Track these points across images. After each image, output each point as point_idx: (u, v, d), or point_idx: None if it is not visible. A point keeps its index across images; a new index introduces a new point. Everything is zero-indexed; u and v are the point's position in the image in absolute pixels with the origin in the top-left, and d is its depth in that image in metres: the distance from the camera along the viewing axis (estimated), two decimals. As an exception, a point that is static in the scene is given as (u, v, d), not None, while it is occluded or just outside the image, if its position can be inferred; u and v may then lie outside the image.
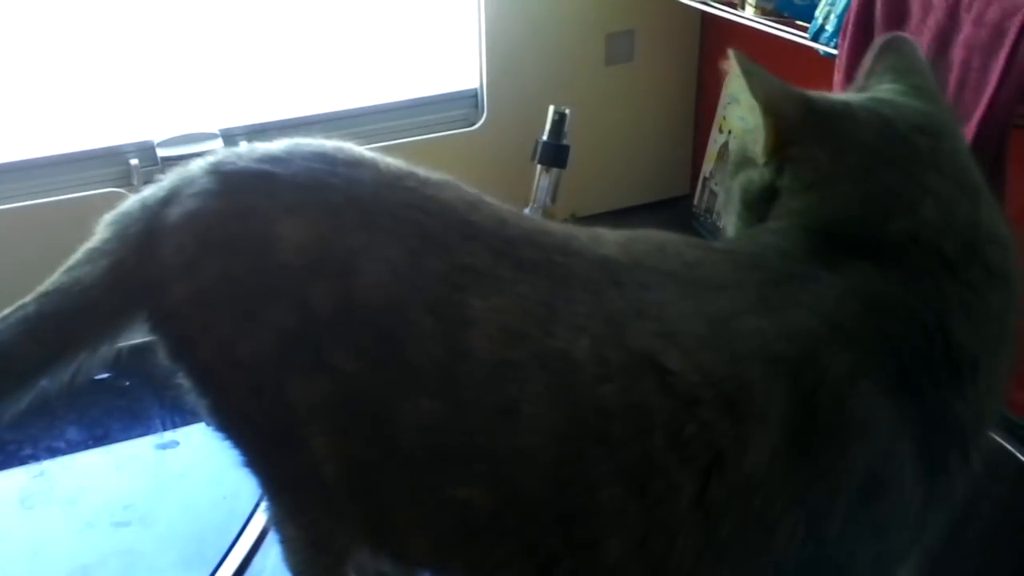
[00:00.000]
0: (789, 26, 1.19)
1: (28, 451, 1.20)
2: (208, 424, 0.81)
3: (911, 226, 0.65)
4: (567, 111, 1.34)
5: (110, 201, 1.36)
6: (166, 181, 0.79)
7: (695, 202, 1.65)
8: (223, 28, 1.42)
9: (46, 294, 0.83)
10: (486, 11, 1.47)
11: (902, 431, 0.63)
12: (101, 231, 0.82)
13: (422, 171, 0.74)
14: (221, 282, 0.71)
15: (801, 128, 0.68)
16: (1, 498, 1.14)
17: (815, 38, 1.13)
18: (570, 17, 1.52)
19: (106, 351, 0.82)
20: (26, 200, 1.34)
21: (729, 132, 1.55)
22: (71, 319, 0.80)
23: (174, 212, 0.75)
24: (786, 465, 0.61)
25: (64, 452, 1.20)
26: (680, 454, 0.60)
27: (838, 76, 1.06)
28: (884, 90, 0.72)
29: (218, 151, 0.79)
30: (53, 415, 1.25)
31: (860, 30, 1.03)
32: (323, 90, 1.51)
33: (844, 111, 0.69)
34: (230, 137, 1.44)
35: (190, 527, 1.11)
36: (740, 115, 0.66)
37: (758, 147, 0.69)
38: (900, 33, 0.80)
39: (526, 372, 0.62)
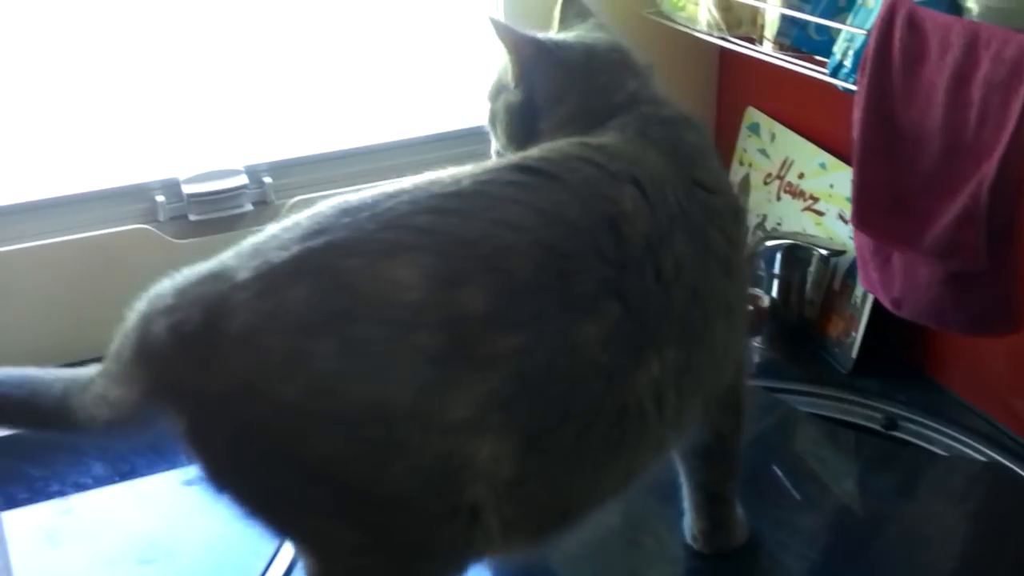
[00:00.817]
0: (808, 61, 1.19)
1: (55, 487, 1.21)
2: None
3: (627, 95, 0.96)
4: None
5: (136, 237, 1.40)
6: None
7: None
8: (248, 65, 1.44)
9: None
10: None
11: None
12: None
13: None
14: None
15: (535, 59, 0.95)
16: (27, 534, 1.15)
17: (834, 74, 1.13)
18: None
19: None
20: (54, 237, 1.36)
21: (749, 165, 1.56)
22: None
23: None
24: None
25: (90, 488, 1.21)
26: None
27: (857, 112, 1.07)
28: (579, 28, 1.02)
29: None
30: (79, 451, 1.26)
31: (879, 67, 1.04)
32: (346, 125, 1.52)
33: (562, 43, 0.98)
34: (254, 173, 1.46)
35: (214, 564, 1.11)
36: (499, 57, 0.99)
37: (509, 76, 0.97)
38: None
39: None
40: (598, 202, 0.81)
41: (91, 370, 0.85)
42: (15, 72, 1.35)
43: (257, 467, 0.76)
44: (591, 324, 0.78)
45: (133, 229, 1.39)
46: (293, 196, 1.46)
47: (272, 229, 0.82)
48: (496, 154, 1.03)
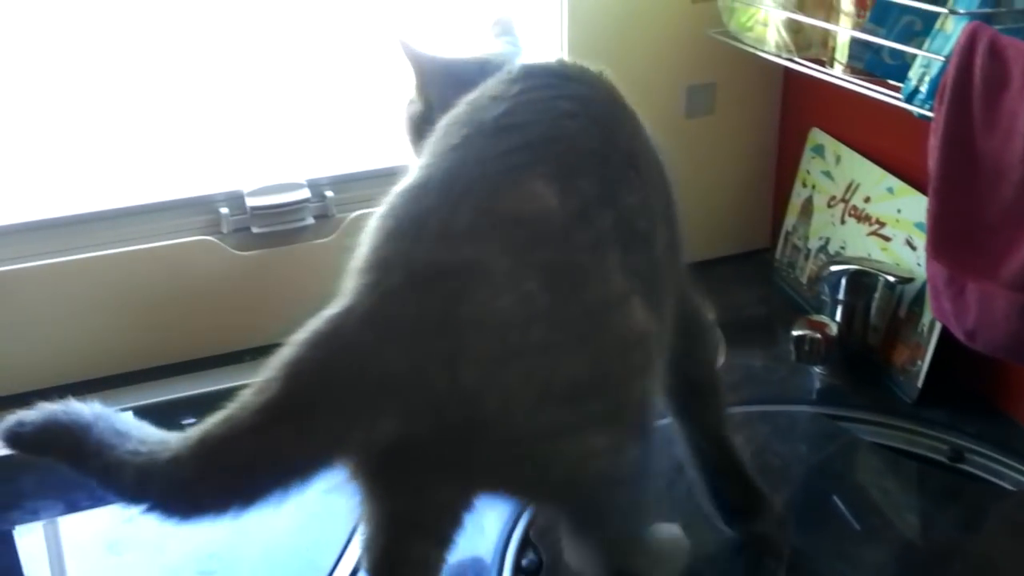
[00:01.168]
0: (880, 86, 1.17)
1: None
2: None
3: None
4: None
5: (200, 249, 1.41)
6: None
7: (776, 256, 1.63)
8: (312, 79, 1.45)
9: None
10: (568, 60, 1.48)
11: None
12: None
13: None
14: None
15: (431, 73, 1.06)
16: (90, 541, 1.16)
17: (909, 100, 1.11)
18: (651, 68, 1.53)
19: None
20: (119, 247, 1.38)
21: (812, 187, 1.54)
22: None
23: None
24: None
25: (151, 497, 1.22)
26: None
27: (934, 140, 1.05)
28: (497, 46, 1.10)
29: None
30: (141, 459, 1.27)
31: (958, 95, 1.01)
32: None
33: (457, 59, 1.07)
34: (316, 187, 1.46)
35: (274, 577, 1.12)
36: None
37: (414, 89, 1.07)
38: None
39: None
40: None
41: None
42: (86, 84, 1.37)
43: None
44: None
45: (197, 240, 1.41)
46: (354, 210, 1.46)
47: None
48: None
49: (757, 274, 1.65)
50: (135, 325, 1.40)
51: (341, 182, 1.48)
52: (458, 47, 1.10)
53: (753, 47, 1.36)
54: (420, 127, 1.03)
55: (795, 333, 1.31)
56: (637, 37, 1.49)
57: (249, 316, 1.46)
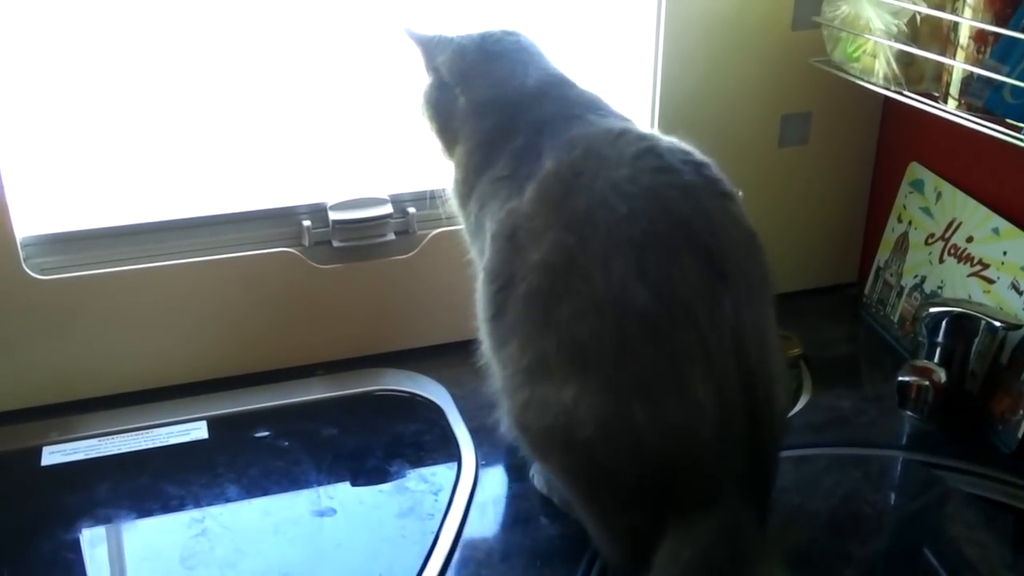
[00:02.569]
0: (997, 123, 1.12)
1: (190, 507, 1.21)
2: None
3: (535, 80, 1.16)
4: (739, 193, 1.30)
5: (280, 261, 1.40)
6: None
7: (866, 291, 1.58)
8: (394, 99, 1.43)
9: None
10: (661, 85, 1.45)
11: None
12: None
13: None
14: None
15: (435, 48, 1.21)
16: (163, 554, 1.15)
17: (1032, 141, 1.06)
18: (746, 95, 1.49)
19: None
20: (199, 256, 1.37)
21: (909, 222, 1.48)
22: None
23: None
24: None
25: (224, 512, 1.20)
26: None
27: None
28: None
29: None
30: (215, 471, 1.26)
31: (1090, 137, 0.96)
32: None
33: (457, 36, 1.21)
34: (398, 203, 1.45)
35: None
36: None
37: (424, 70, 1.23)
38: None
39: None
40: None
41: None
42: (179, 95, 1.37)
43: None
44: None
45: (278, 252, 1.39)
46: (434, 228, 1.44)
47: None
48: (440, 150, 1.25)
49: (844, 309, 1.60)
50: (212, 334, 1.39)
51: (424, 199, 1.46)
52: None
53: (859, 78, 1.31)
54: (436, 98, 1.21)
55: (901, 379, 1.25)
56: (734, 63, 1.45)
57: (325, 330, 1.45)
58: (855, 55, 1.31)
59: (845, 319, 1.58)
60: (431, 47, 1.21)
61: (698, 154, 1.04)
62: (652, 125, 1.47)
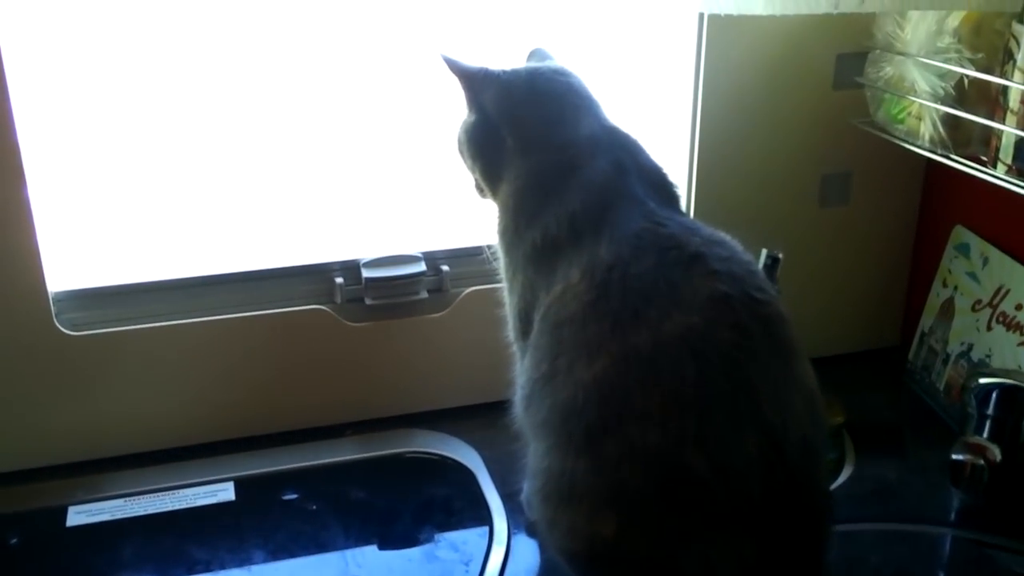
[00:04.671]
0: (1051, 189, 1.09)
1: (216, 570, 1.18)
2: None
3: (587, 130, 1.11)
4: (780, 255, 1.27)
5: (311, 318, 1.39)
6: None
7: (909, 357, 1.53)
8: (429, 157, 1.42)
9: None
10: (700, 139, 1.42)
11: None
12: None
13: None
14: None
15: (481, 83, 1.14)
16: (185, 620, 1.12)
17: (1088, 209, 1.02)
18: (786, 155, 1.46)
19: None
20: (230, 312, 1.35)
21: (955, 288, 1.44)
22: None
23: None
24: None
25: (249, 574, 1.18)
26: None
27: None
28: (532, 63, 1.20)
29: None
30: (241, 535, 1.23)
31: None
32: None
33: (504, 69, 1.15)
34: (432, 260, 1.43)
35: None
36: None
37: (466, 104, 1.17)
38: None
39: None
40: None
41: None
42: (213, 149, 1.36)
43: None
44: None
45: (309, 309, 1.38)
46: (468, 287, 1.42)
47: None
48: (475, 187, 1.21)
49: (886, 375, 1.55)
50: (241, 392, 1.37)
51: (457, 256, 1.44)
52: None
53: (903, 140, 1.28)
54: (479, 137, 1.15)
55: (955, 457, 1.20)
56: (773, 121, 1.43)
57: (356, 389, 1.43)
58: (900, 116, 1.28)
59: (887, 385, 1.54)
60: (475, 81, 1.14)
61: (767, 283, 1.00)
62: (690, 179, 1.45)
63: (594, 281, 0.97)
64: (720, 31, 1.36)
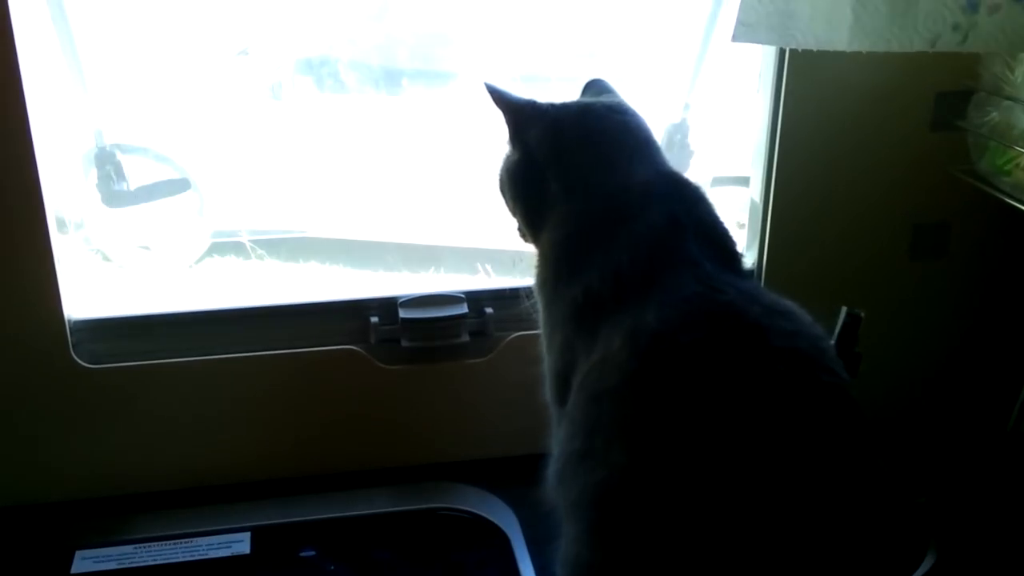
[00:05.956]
0: None
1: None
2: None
3: (642, 176, 0.98)
4: (862, 314, 1.13)
5: (343, 359, 1.29)
6: None
7: (1008, 426, 1.37)
8: (468, 201, 1.32)
9: None
10: (775, 185, 1.29)
11: None
12: None
13: None
14: None
15: (528, 118, 1.02)
16: None
17: None
18: (874, 200, 1.31)
19: None
20: (260, 350, 1.27)
21: (1062, 359, 1.28)
22: None
23: None
24: None
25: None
26: None
27: None
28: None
29: None
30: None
31: None
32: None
33: (554, 103, 1.03)
34: (475, 301, 1.32)
35: None
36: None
37: (509, 138, 1.05)
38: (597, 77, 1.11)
39: None
40: None
41: None
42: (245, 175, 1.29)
43: None
44: None
45: (341, 349, 1.29)
46: (514, 331, 1.31)
47: None
48: (517, 230, 1.08)
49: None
50: (264, 433, 1.29)
51: (503, 298, 1.33)
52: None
53: (1009, 196, 1.13)
54: (520, 177, 1.04)
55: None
56: (861, 163, 1.29)
57: (387, 435, 1.33)
58: (1006, 168, 1.13)
59: (985, 456, 1.37)
60: (521, 115, 1.03)
61: (837, 364, 0.87)
62: (764, 224, 1.32)
63: (637, 350, 0.86)
64: (803, 64, 1.22)
